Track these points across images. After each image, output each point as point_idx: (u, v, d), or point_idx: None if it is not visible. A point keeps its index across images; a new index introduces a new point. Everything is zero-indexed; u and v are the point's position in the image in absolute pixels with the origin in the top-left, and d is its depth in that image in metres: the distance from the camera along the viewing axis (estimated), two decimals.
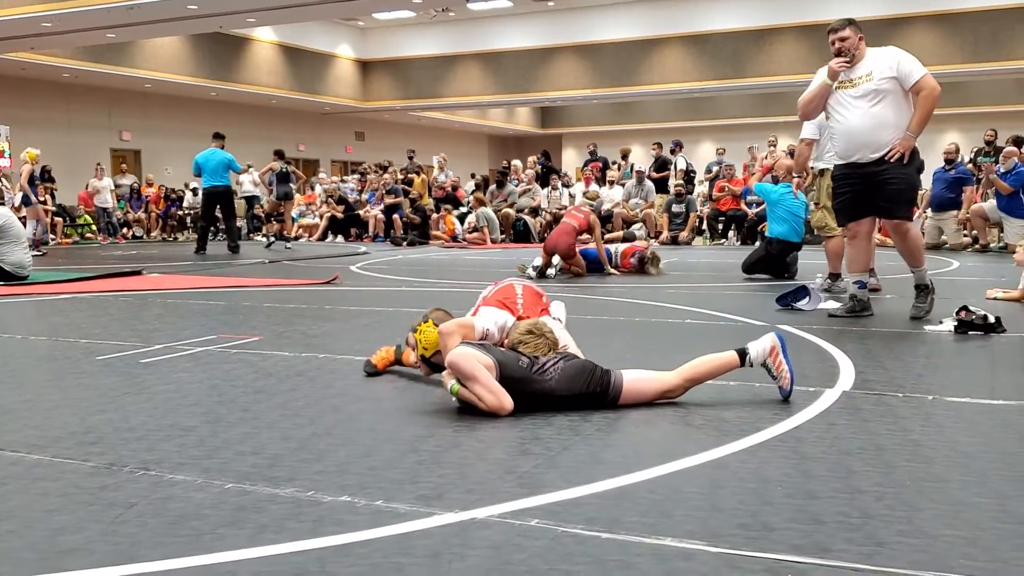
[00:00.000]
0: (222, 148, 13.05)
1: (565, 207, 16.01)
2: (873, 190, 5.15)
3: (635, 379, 3.16)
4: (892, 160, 5.03)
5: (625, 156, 16.65)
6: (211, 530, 2.01)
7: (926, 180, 14.35)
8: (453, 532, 1.98)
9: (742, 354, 3.19)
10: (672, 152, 15.89)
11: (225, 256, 12.45)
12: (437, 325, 3.45)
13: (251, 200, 18.88)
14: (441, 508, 2.12)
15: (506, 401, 3.01)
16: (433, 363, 3.48)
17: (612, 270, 8.90)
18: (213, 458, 2.57)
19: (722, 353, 3.24)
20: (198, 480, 2.37)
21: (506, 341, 3.46)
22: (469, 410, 3.13)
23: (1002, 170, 11.23)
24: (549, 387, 3.08)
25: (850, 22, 5.19)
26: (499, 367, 3.05)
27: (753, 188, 8.39)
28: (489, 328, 3.57)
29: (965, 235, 12.46)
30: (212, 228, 14.19)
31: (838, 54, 5.15)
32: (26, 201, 13.20)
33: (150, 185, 19.79)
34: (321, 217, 17.59)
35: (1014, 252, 6.64)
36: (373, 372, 3.84)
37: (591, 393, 3.09)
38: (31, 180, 13.42)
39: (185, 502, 2.20)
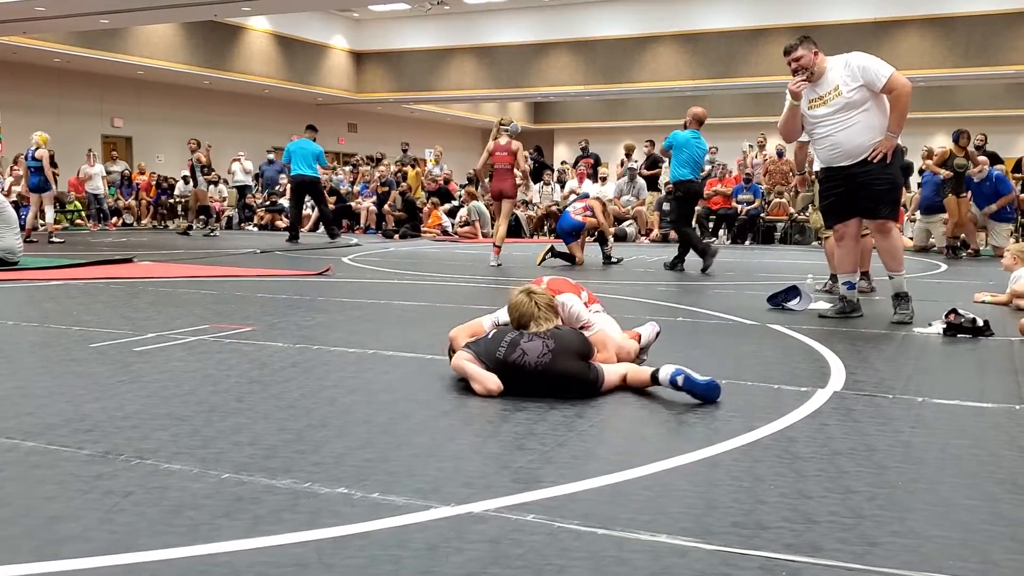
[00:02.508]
0: (314, 140, 13.10)
1: (556, 202, 16.06)
2: (857, 191, 5.19)
3: (609, 371, 3.38)
4: (875, 161, 5.07)
5: (629, 153, 16.51)
6: (208, 520, 2.02)
7: (915, 183, 14.46)
8: (450, 526, 2.00)
9: (654, 376, 3.28)
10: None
11: (211, 245, 12.42)
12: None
13: (243, 189, 18.84)
14: (438, 502, 2.13)
15: (490, 385, 3.24)
16: None
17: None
18: (209, 448, 2.58)
19: (643, 368, 3.42)
20: (194, 470, 2.37)
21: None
22: (463, 404, 3.16)
23: (976, 180, 11.27)
24: (528, 377, 3.24)
25: (803, 40, 5.22)
26: (478, 360, 3.32)
27: (664, 142, 9.10)
28: (502, 318, 3.62)
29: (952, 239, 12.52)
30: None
31: (795, 73, 5.18)
32: (45, 187, 12.74)
33: (142, 173, 19.69)
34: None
35: (1002, 256, 6.70)
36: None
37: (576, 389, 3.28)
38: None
39: (182, 491, 2.20)
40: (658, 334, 4.08)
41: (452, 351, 3.62)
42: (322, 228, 16.92)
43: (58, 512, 2.06)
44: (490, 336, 3.39)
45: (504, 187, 9.19)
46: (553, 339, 3.26)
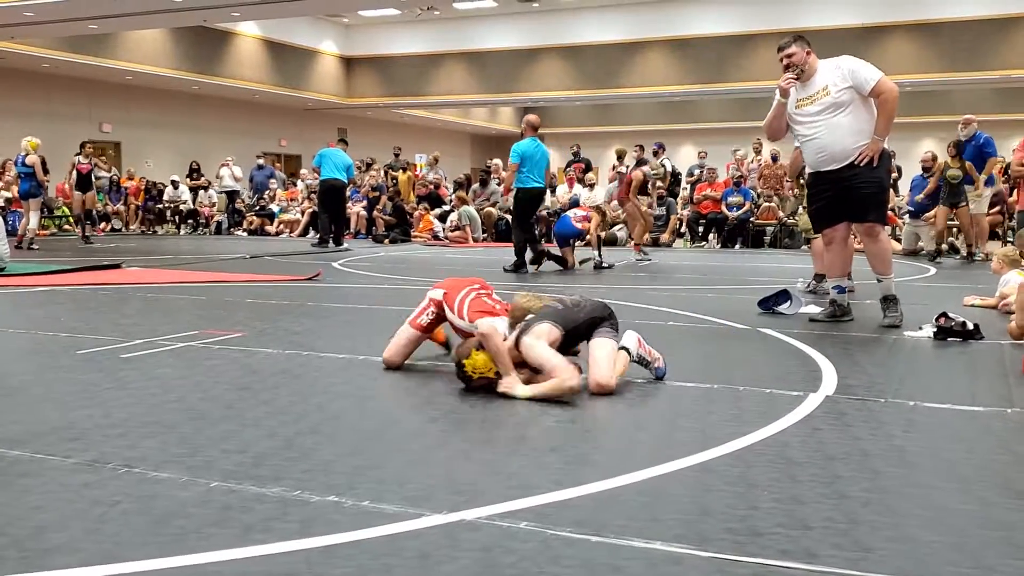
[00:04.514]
0: (344, 151, 13.48)
1: (547, 206, 16.05)
2: (845, 195, 5.21)
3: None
4: (862, 164, 5.09)
5: (621, 157, 16.50)
6: (197, 529, 1.99)
7: (904, 188, 14.50)
8: (441, 534, 1.98)
9: (627, 352, 3.54)
10: (655, 154, 15.92)
11: (199, 249, 12.37)
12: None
13: (232, 194, 18.78)
14: (429, 509, 2.11)
15: (576, 382, 3.25)
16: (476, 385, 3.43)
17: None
18: (197, 456, 2.55)
19: (622, 353, 3.54)
20: (183, 478, 2.34)
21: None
22: (454, 410, 3.14)
23: (963, 137, 11.24)
24: (586, 314, 3.52)
25: (797, 39, 5.26)
26: (560, 328, 3.41)
27: (512, 157, 9.40)
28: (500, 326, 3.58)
29: (944, 244, 12.57)
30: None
31: (787, 71, 5.21)
32: (35, 192, 12.47)
33: (130, 178, 19.60)
34: (303, 213, 17.52)
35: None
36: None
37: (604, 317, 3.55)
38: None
39: (170, 500, 2.18)
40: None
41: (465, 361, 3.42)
42: (311, 233, 16.98)
43: (44, 522, 2.03)
44: (563, 306, 3.55)
45: (619, 195, 11.13)
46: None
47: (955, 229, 12.37)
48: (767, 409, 3.15)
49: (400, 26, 24.46)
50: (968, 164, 11.08)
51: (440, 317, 3.88)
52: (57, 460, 2.51)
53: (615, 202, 15.26)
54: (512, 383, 3.29)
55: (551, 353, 3.31)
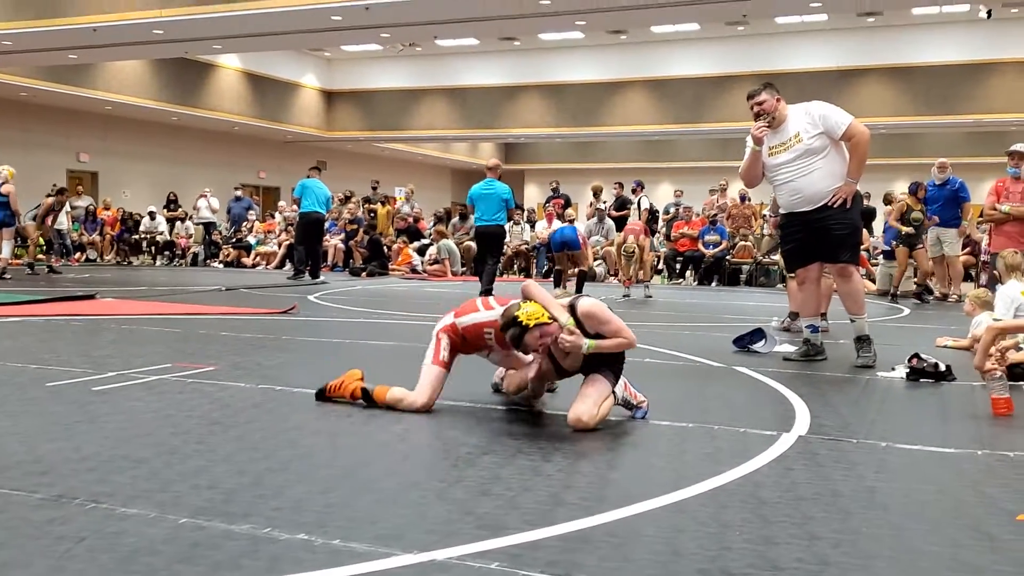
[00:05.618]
0: (318, 178, 13.58)
1: (526, 242, 16.13)
2: (818, 236, 5.28)
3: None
4: (835, 206, 5.16)
5: (597, 194, 16.61)
6: (165, 567, 1.96)
7: (878, 228, 14.70)
8: (412, 574, 1.96)
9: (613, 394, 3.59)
10: (634, 192, 16.06)
11: (174, 281, 12.29)
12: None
13: (208, 226, 18.72)
14: (400, 549, 2.09)
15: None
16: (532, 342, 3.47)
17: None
18: (167, 491, 2.52)
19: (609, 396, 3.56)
20: (151, 514, 2.31)
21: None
22: (428, 448, 3.12)
23: (936, 183, 11.40)
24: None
25: (767, 86, 5.35)
26: None
27: (469, 193, 10.19)
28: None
29: (916, 283, 12.72)
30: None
31: (757, 118, 5.29)
32: (9, 222, 12.34)
33: (107, 208, 19.48)
34: (280, 245, 17.47)
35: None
36: (321, 396, 3.92)
37: None
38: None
39: (138, 537, 2.14)
40: None
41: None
42: (288, 266, 16.91)
43: (7, 559, 2.00)
44: None
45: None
46: None
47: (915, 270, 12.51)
48: (741, 449, 3.16)
49: (382, 61, 24.66)
50: (922, 207, 11.24)
51: (455, 347, 3.86)
52: (23, 495, 2.46)
53: (593, 238, 15.37)
54: (576, 335, 3.39)
55: (614, 316, 3.51)
